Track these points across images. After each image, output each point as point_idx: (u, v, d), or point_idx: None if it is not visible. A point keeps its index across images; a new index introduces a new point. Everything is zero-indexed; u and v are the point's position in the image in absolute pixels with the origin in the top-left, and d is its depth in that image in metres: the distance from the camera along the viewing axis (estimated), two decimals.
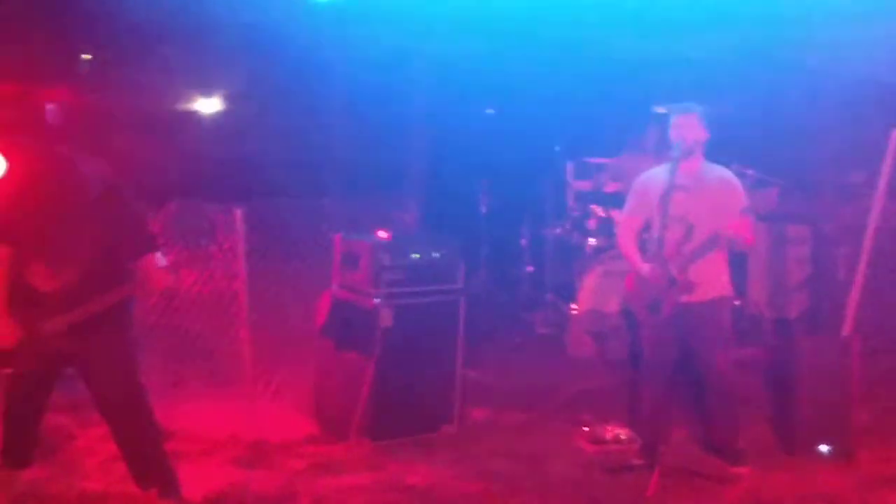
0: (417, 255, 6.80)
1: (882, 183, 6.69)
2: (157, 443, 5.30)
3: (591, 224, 9.28)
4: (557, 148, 9.97)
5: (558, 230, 9.82)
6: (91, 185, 5.02)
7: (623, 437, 6.74)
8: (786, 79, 9.58)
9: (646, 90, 9.31)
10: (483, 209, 10.71)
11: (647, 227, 6.32)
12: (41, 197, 5.00)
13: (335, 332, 7.00)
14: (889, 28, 8.24)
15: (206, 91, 14.37)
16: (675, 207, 6.00)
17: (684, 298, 5.99)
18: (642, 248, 6.30)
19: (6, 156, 5.74)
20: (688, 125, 6.09)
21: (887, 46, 8.33)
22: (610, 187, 9.19)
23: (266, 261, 7.35)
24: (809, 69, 9.39)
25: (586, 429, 6.93)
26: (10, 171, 5.53)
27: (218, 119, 14.52)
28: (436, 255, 6.87)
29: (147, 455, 5.23)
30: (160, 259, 5.12)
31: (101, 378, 5.12)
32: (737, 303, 8.07)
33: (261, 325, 7.15)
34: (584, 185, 9.67)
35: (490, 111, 14.16)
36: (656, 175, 6.25)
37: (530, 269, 10.37)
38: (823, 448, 6.37)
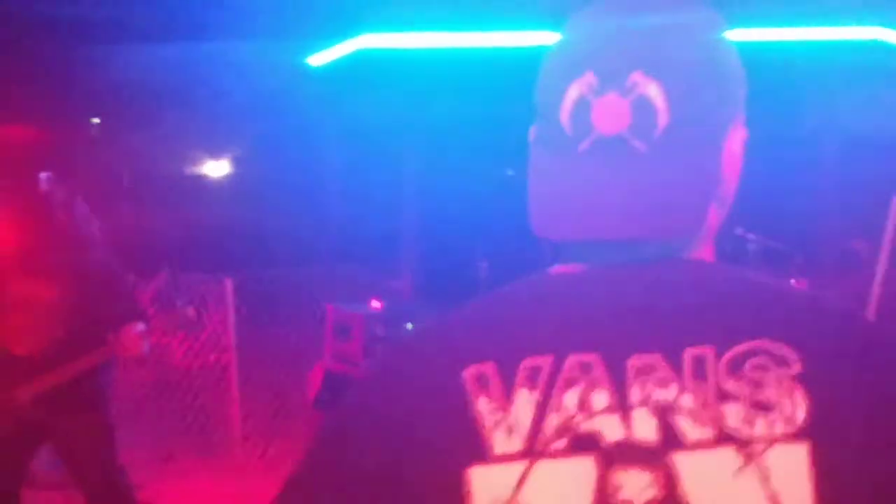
0: (411, 326, 6.71)
1: (884, 250, 6.57)
2: None
3: None
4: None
5: None
6: (82, 249, 4.96)
7: None
8: (786, 141, 9.54)
9: None
10: (481, 274, 10.59)
11: None
12: (27, 257, 4.89)
13: (328, 404, 6.88)
14: (890, 89, 8.21)
15: (205, 156, 14.38)
16: None
17: None
18: None
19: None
20: None
21: (887, 108, 8.28)
22: None
23: (257, 332, 7.26)
24: (810, 130, 9.36)
25: None
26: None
27: (209, 186, 14.50)
28: None
29: None
30: (140, 328, 5.01)
31: (77, 456, 4.95)
32: None
33: (252, 397, 7.06)
34: None
35: (510, 172, 14.10)
36: None
37: None
38: None
